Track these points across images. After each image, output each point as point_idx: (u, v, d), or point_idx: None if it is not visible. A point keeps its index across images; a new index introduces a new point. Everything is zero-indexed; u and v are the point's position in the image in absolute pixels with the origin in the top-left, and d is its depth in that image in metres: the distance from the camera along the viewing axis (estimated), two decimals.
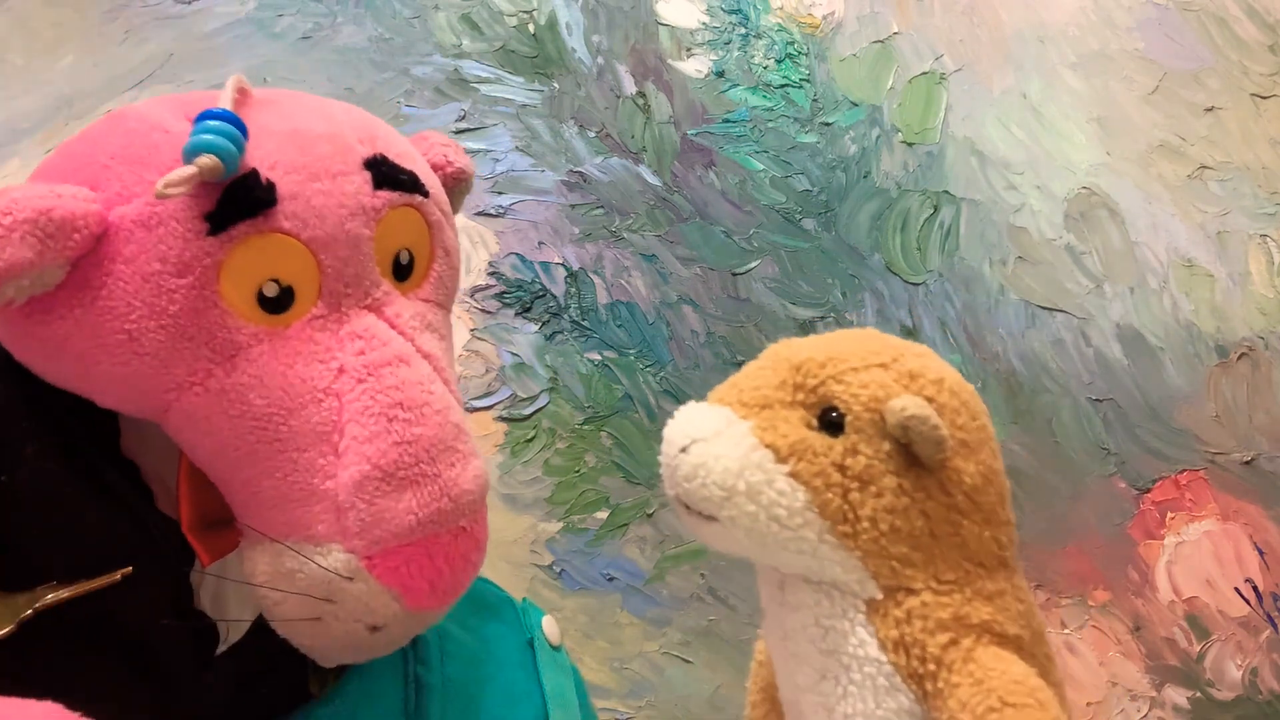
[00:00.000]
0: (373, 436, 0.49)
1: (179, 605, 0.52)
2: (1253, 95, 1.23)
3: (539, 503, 1.09)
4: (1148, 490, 1.16)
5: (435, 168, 0.60)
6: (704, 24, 1.19)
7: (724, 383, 0.59)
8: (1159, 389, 1.17)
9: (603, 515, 1.09)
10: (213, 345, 0.48)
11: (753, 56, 1.19)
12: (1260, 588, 1.16)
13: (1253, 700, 1.14)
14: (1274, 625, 1.15)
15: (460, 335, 1.10)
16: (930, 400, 0.55)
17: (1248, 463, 1.17)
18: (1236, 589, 1.16)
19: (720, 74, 1.18)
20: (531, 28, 1.17)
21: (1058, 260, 1.18)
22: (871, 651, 0.55)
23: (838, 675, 0.55)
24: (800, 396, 0.56)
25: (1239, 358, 1.18)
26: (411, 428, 0.50)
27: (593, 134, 1.16)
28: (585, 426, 1.11)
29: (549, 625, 0.68)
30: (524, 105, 1.15)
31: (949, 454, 0.55)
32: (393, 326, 0.52)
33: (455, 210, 0.63)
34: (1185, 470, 1.16)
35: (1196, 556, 1.16)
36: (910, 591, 0.55)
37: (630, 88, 1.17)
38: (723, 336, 1.14)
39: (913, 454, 0.54)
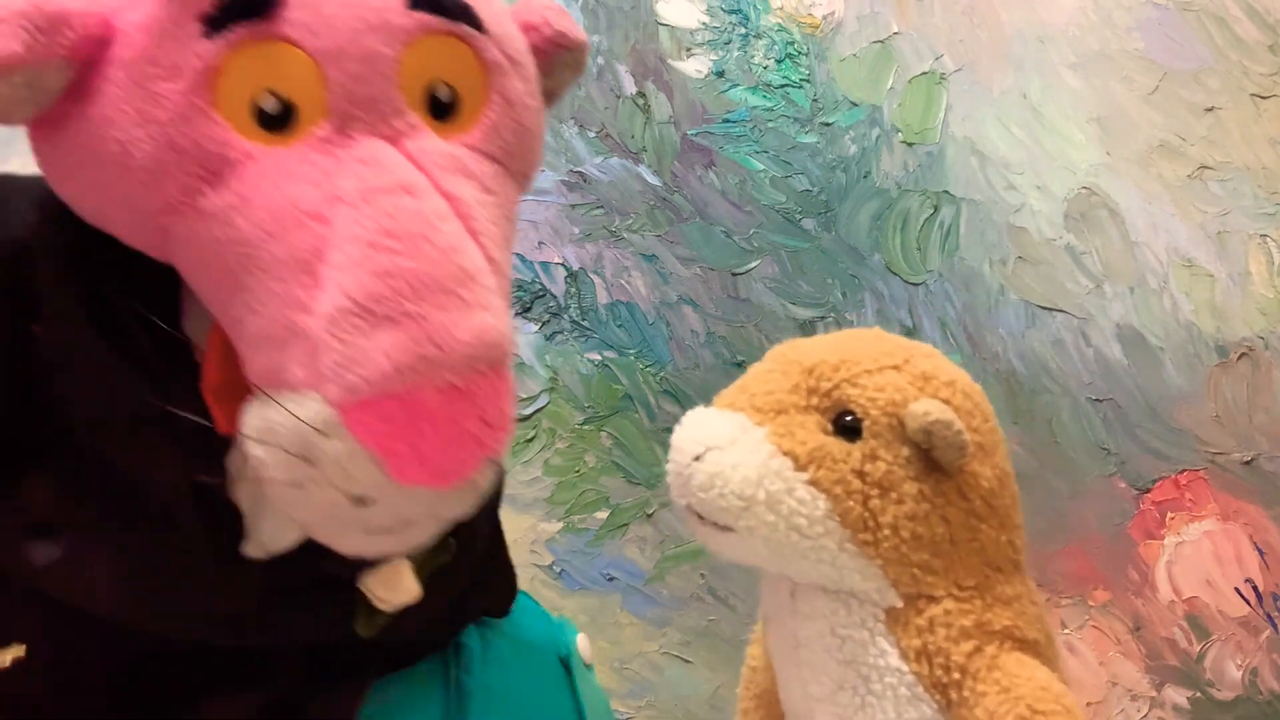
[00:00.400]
0: (353, 265, 0.42)
1: (198, 487, 0.49)
2: (1253, 95, 1.23)
3: (539, 503, 1.09)
4: (1148, 490, 1.16)
5: (528, 27, 0.54)
6: (704, 24, 1.19)
7: (731, 387, 0.58)
8: (1159, 389, 1.17)
9: (603, 515, 1.09)
10: (203, 160, 0.44)
11: (753, 56, 1.19)
12: (1260, 588, 1.16)
13: (1253, 700, 1.14)
14: (1274, 625, 1.15)
15: None
16: (945, 403, 0.54)
17: (1248, 463, 1.17)
18: (1236, 589, 1.16)
19: (720, 74, 1.18)
20: None
21: (1058, 260, 1.18)
22: (893, 661, 0.53)
23: (855, 685, 0.54)
24: (815, 400, 0.54)
25: (1239, 358, 1.18)
26: (398, 258, 0.42)
27: (593, 134, 1.16)
28: (585, 426, 1.11)
29: (583, 644, 0.67)
30: None
31: (968, 458, 0.54)
32: (410, 159, 0.45)
33: (560, 88, 0.57)
34: (1185, 470, 1.16)
35: (1196, 556, 1.16)
36: (931, 599, 0.54)
37: (630, 88, 1.17)
38: (723, 336, 1.14)
39: (931, 459, 0.53)
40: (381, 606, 0.53)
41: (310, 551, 0.49)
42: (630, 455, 1.11)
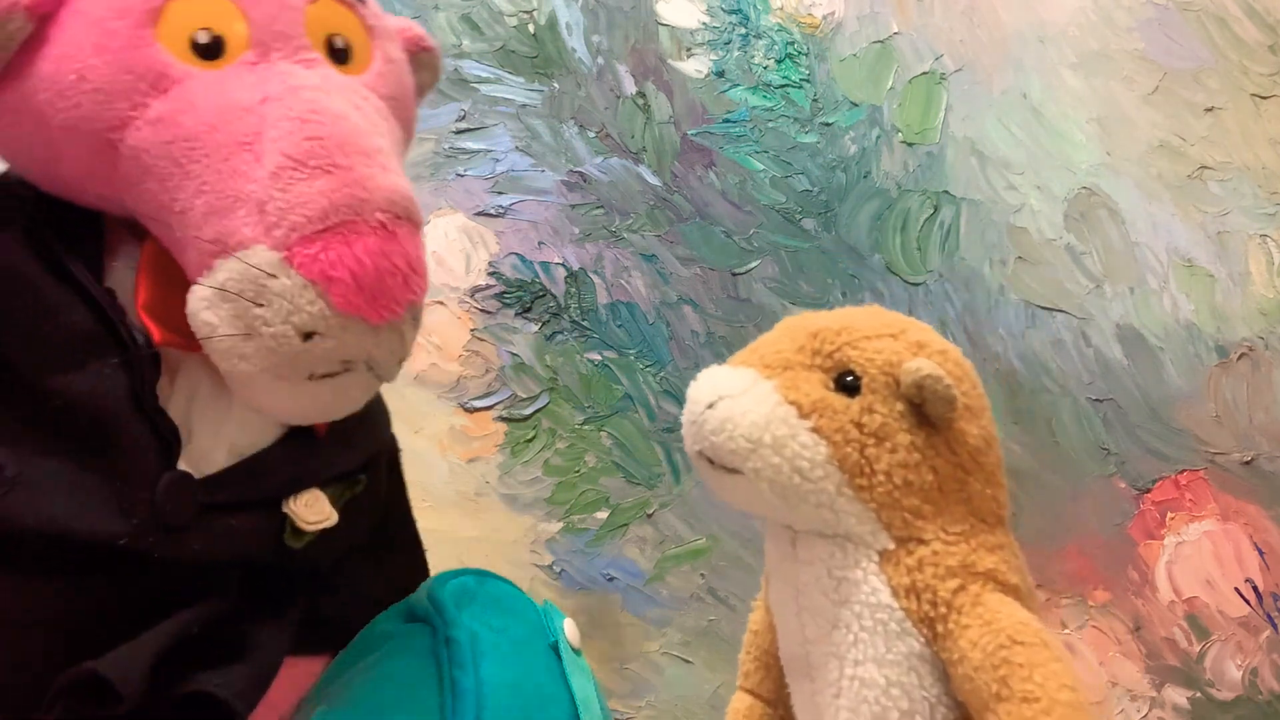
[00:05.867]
0: (287, 134, 0.51)
1: (140, 402, 0.55)
2: (1253, 95, 1.23)
3: (539, 503, 1.09)
4: (1148, 490, 1.16)
5: (397, 30, 0.66)
6: (704, 24, 1.19)
7: (743, 349, 0.63)
8: (1159, 389, 1.17)
9: (603, 515, 1.09)
10: (150, 79, 0.53)
11: (753, 56, 1.19)
12: (1260, 588, 1.16)
13: (1253, 700, 1.14)
14: (1274, 625, 1.15)
15: (460, 335, 1.10)
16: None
17: (1248, 463, 1.17)
18: (1236, 589, 1.16)
19: (720, 74, 1.18)
20: (531, 28, 1.17)
21: (1058, 260, 1.18)
22: (884, 598, 0.58)
23: (849, 623, 0.59)
24: (819, 361, 0.60)
25: (1239, 358, 1.18)
26: (323, 128, 0.52)
27: (593, 134, 1.16)
28: (585, 426, 1.11)
29: (570, 628, 0.68)
30: (524, 105, 1.15)
31: (956, 415, 0.59)
32: (319, 76, 0.56)
33: (421, 87, 0.68)
34: (1185, 470, 1.16)
35: (1196, 556, 1.16)
36: (921, 542, 0.58)
37: (630, 88, 1.17)
38: (723, 336, 1.14)
39: (923, 415, 0.58)
40: (304, 528, 0.60)
41: (239, 475, 0.58)
42: (630, 455, 1.11)
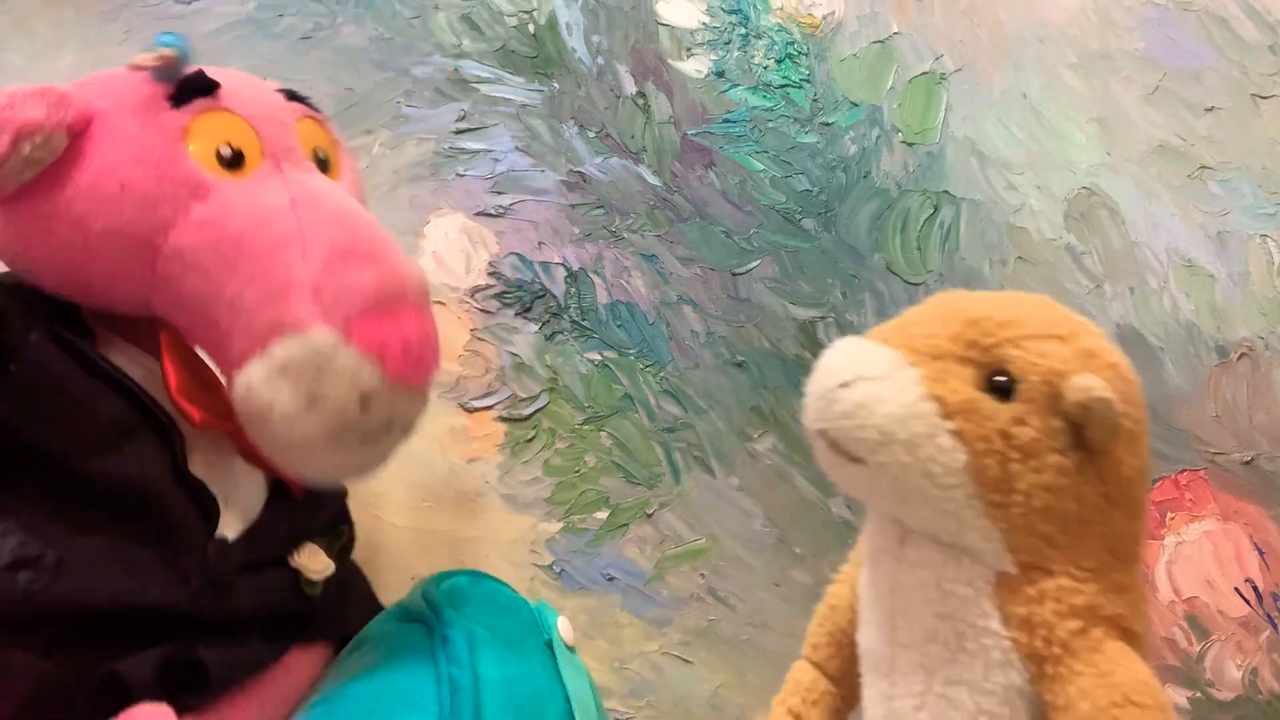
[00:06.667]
0: (329, 232, 0.59)
1: (179, 473, 0.61)
2: (1253, 95, 1.23)
3: (539, 503, 1.09)
4: None
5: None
6: (704, 24, 1.19)
7: (889, 323, 0.58)
8: (1159, 389, 1.17)
9: (603, 515, 1.09)
10: (189, 185, 0.60)
11: (753, 56, 1.19)
12: (1260, 588, 1.16)
13: (1253, 700, 1.14)
14: (1274, 625, 1.15)
15: (460, 335, 1.10)
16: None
17: (1248, 463, 1.17)
18: (1236, 589, 1.16)
19: (720, 74, 1.18)
20: (531, 28, 1.17)
21: (1058, 260, 1.18)
22: (993, 625, 0.53)
23: (948, 640, 0.54)
24: (973, 354, 0.54)
25: (1239, 358, 1.18)
26: (355, 226, 0.60)
27: (593, 134, 1.16)
28: (585, 426, 1.10)
29: (564, 626, 0.70)
30: (524, 105, 1.15)
31: (1117, 443, 0.53)
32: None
33: None
34: (1185, 470, 1.16)
35: (1196, 556, 1.16)
36: (1047, 573, 0.53)
37: (630, 88, 1.17)
38: (723, 336, 1.14)
39: (1079, 436, 0.52)
40: (312, 577, 0.68)
41: (254, 537, 0.65)
42: (630, 455, 1.11)
